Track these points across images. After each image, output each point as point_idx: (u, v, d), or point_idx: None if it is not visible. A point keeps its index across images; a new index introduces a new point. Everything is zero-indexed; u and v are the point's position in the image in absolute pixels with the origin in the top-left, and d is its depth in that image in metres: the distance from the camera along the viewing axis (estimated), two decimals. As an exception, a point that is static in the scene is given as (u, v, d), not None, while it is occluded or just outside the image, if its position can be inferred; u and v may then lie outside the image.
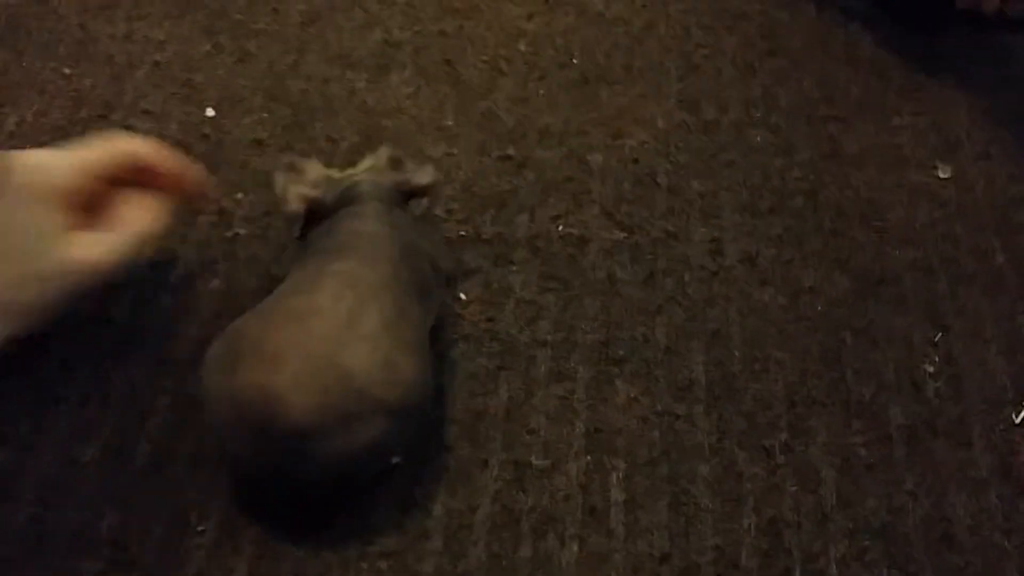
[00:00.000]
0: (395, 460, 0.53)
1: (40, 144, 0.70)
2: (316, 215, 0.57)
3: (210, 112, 0.74)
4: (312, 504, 0.52)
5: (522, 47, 0.80)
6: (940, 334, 0.62)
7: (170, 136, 0.72)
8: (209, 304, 0.62)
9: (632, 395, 0.58)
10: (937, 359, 0.60)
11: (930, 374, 0.60)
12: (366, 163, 0.58)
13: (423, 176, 0.58)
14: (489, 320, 0.62)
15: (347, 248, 0.53)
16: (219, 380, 0.49)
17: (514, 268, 0.65)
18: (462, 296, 0.63)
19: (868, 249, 0.67)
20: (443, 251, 0.63)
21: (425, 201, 0.66)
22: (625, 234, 0.67)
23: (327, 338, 0.48)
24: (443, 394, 0.58)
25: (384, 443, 0.49)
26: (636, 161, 0.71)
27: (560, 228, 0.67)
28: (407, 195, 0.58)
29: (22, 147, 0.70)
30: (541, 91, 0.76)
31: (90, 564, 0.50)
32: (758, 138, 0.73)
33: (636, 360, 0.60)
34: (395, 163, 0.58)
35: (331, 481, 0.50)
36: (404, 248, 0.55)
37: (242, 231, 0.66)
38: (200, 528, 0.52)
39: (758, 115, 0.75)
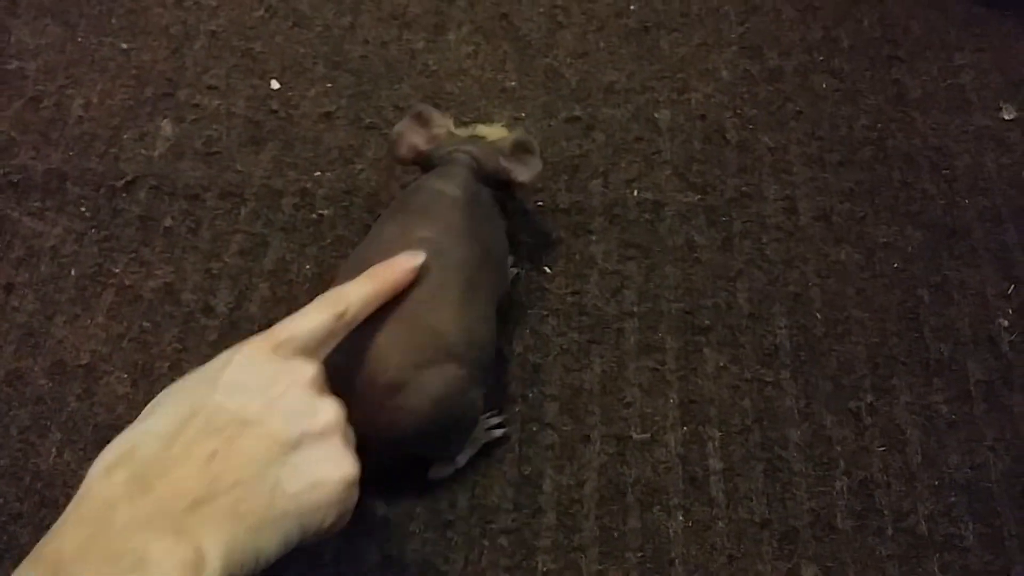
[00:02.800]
0: (498, 430, 0.58)
1: (111, 128, 0.71)
2: (422, 166, 0.59)
3: (275, 84, 0.74)
4: (407, 460, 0.55)
5: (578, -5, 0.79)
6: (1012, 287, 0.64)
7: (239, 113, 0.72)
8: (305, 290, 0.64)
9: (721, 363, 0.61)
10: (1011, 312, 0.63)
11: (1004, 328, 0.62)
12: (495, 132, 0.59)
13: (524, 172, 0.59)
14: (575, 293, 0.64)
15: (429, 212, 0.55)
16: None
17: (594, 238, 0.66)
18: (547, 269, 0.65)
19: (938, 200, 0.68)
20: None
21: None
22: (699, 196, 0.68)
23: (419, 301, 0.51)
24: (540, 371, 0.61)
25: (463, 386, 0.52)
26: (703, 117, 0.72)
27: (635, 193, 0.68)
28: (503, 183, 0.59)
29: (92, 132, 0.71)
30: (601, 43, 0.76)
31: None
32: (823, 84, 0.73)
33: (721, 327, 0.62)
34: (520, 148, 0.59)
35: (422, 430, 0.52)
36: (479, 220, 0.56)
37: (326, 212, 0.67)
38: (330, 516, 0.55)
39: (821, 59, 0.75)
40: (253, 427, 0.40)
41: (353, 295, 0.48)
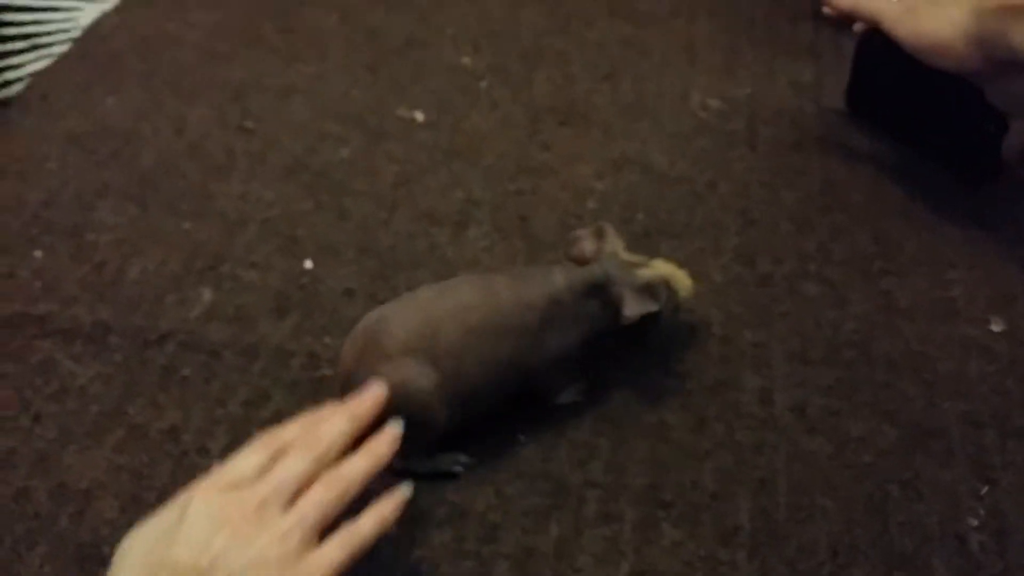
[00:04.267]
0: (458, 467, 0.65)
1: (158, 291, 0.80)
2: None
3: (308, 264, 0.82)
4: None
5: (591, 204, 0.87)
6: (987, 488, 0.63)
7: (272, 286, 0.80)
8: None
9: (677, 539, 0.61)
10: (982, 513, 0.61)
11: (974, 528, 0.61)
12: (666, 268, 0.67)
13: (630, 308, 0.64)
14: (545, 460, 0.66)
15: (523, 275, 0.66)
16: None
17: (571, 412, 0.69)
18: (520, 437, 0.68)
19: (918, 402, 0.69)
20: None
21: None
22: (678, 380, 0.71)
23: (435, 307, 0.63)
24: (497, 530, 0.62)
25: (427, 385, 0.61)
26: (692, 311, 0.75)
27: (616, 373, 0.71)
28: (612, 308, 0.65)
29: (141, 294, 0.80)
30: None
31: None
32: (812, 291, 0.77)
33: (682, 504, 0.63)
34: (648, 289, 0.65)
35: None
36: (554, 312, 0.64)
37: (328, 372, 0.73)
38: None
39: (812, 268, 0.79)
40: (209, 573, 0.49)
41: (288, 434, 0.57)
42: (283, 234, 0.86)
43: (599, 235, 0.68)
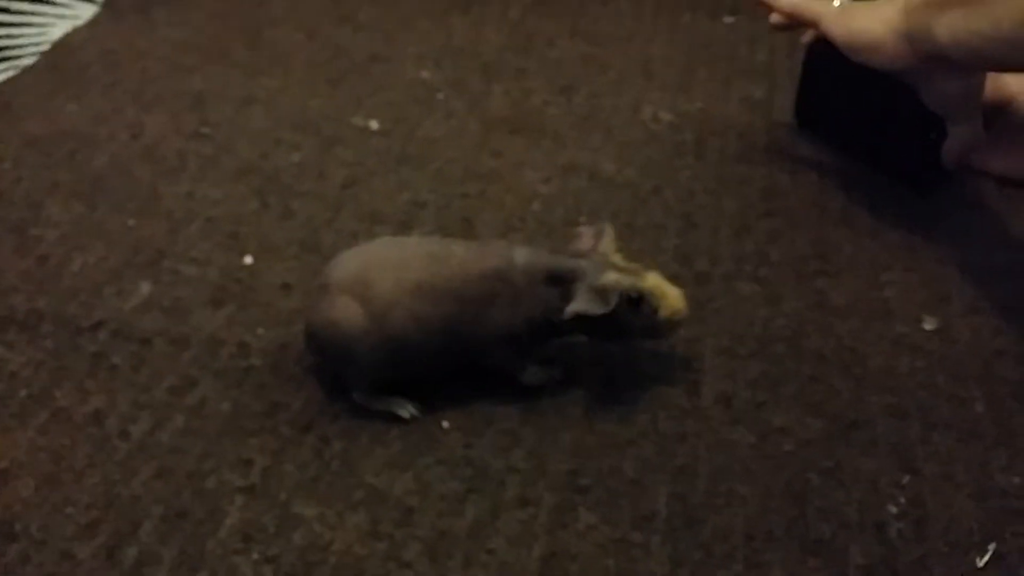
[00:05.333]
0: (404, 412, 0.68)
1: (97, 283, 0.80)
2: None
3: (248, 260, 0.82)
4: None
5: (536, 207, 0.87)
6: (908, 477, 0.62)
7: (210, 279, 0.80)
8: (215, 425, 0.68)
9: (592, 522, 0.60)
10: (903, 501, 0.61)
11: (894, 515, 0.60)
12: (655, 282, 0.65)
13: (574, 304, 0.63)
14: (467, 447, 0.66)
15: (486, 245, 0.69)
16: None
17: (499, 401, 0.69)
18: (444, 424, 0.67)
19: (844, 395, 0.68)
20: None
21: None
22: (607, 373, 0.70)
23: (378, 258, 0.66)
24: (412, 513, 0.61)
25: (356, 325, 0.64)
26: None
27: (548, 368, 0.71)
28: (561, 299, 0.64)
29: (79, 285, 0.80)
30: (547, 242, 0.82)
31: None
32: (746, 289, 0.77)
33: (600, 490, 0.62)
34: (600, 291, 0.63)
35: (312, 340, 0.69)
36: (502, 288, 0.64)
37: (257, 362, 0.73)
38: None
39: (748, 268, 0.79)
40: None
41: None
42: (226, 231, 0.86)
43: (598, 236, 0.67)
